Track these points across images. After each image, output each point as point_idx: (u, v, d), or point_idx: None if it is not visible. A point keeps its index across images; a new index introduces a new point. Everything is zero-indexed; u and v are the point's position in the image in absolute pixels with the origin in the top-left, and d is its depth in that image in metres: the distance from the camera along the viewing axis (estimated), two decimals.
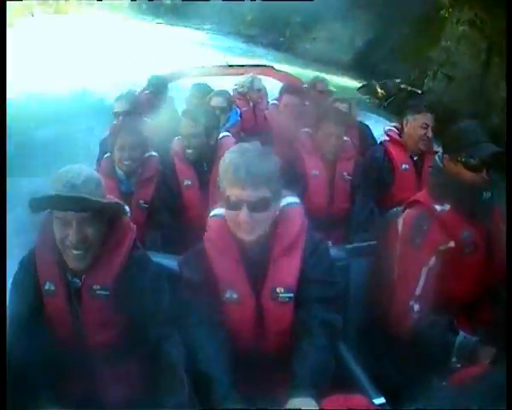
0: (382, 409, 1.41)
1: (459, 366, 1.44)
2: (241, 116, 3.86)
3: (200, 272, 1.48)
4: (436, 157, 1.82)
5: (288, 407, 1.24)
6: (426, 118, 2.70)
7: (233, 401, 1.30)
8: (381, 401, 1.46)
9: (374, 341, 1.76)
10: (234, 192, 1.37)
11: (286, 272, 1.45)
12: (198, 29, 19.37)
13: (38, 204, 1.36)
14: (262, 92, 4.26)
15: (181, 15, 21.43)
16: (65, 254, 1.39)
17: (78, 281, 1.43)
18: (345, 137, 2.73)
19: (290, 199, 1.54)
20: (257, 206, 1.37)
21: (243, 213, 1.37)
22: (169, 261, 1.77)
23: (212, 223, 1.54)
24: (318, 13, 13.49)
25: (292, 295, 1.43)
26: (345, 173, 2.64)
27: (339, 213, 2.63)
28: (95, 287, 1.41)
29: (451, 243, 1.63)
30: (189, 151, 2.50)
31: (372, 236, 2.36)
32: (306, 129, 2.77)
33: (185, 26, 19.62)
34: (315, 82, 4.02)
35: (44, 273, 1.44)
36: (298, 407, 1.22)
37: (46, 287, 1.43)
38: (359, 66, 11.96)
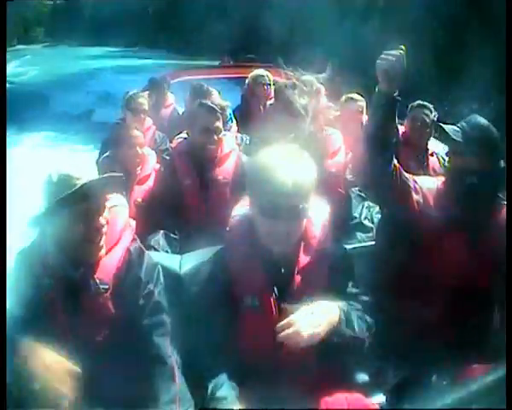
0: (382, 409, 1.41)
1: None
2: (251, 113, 3.88)
3: (220, 280, 1.42)
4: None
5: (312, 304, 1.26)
6: (412, 118, 2.80)
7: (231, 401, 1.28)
8: (380, 399, 1.47)
9: (374, 341, 1.76)
10: (274, 201, 1.31)
11: (314, 283, 1.40)
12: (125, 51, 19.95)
13: (43, 219, 1.34)
14: (269, 89, 4.23)
15: (102, 40, 21.69)
16: (80, 248, 1.38)
17: (77, 275, 1.43)
18: (329, 131, 2.71)
19: (317, 203, 1.47)
20: (296, 216, 1.34)
21: (281, 224, 1.33)
22: (171, 261, 1.78)
23: (235, 224, 1.49)
24: (208, 10, 14.72)
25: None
26: (333, 170, 2.60)
27: (334, 211, 2.60)
28: (94, 281, 1.41)
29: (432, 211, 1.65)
30: (212, 147, 2.47)
31: (371, 236, 2.37)
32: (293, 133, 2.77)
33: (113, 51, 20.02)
34: (308, 81, 4.01)
35: (43, 268, 1.43)
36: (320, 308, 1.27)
37: (44, 282, 1.42)
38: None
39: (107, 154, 2.65)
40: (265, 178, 1.32)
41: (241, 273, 1.40)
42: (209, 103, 2.55)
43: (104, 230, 1.40)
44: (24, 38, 28.37)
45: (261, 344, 1.38)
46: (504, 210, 1.67)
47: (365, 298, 1.45)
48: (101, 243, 1.41)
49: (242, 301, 1.39)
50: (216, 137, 2.46)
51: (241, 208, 1.50)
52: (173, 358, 1.41)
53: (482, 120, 1.70)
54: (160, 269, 1.51)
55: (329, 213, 1.50)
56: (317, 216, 1.46)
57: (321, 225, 1.46)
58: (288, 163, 1.32)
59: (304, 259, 1.40)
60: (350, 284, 1.44)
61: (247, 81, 4.26)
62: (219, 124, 2.48)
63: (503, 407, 0.77)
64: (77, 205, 1.33)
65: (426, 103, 2.90)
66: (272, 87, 4.17)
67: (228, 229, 1.49)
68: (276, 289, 1.39)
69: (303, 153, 1.39)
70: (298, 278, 1.39)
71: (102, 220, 1.38)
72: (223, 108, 3.10)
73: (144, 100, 3.37)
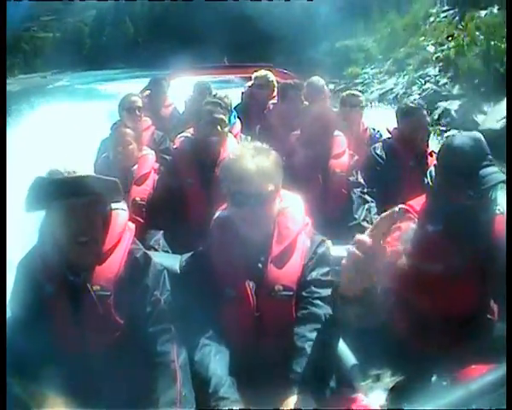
0: (382, 409, 1.41)
1: None
2: (249, 113, 3.86)
3: (201, 272, 1.49)
4: (428, 173, 1.79)
5: (284, 406, 1.22)
6: (415, 120, 2.76)
7: (233, 401, 1.28)
8: (380, 399, 1.46)
9: (373, 340, 1.76)
10: (240, 188, 1.42)
11: (286, 272, 1.45)
12: None
13: (39, 196, 1.33)
14: (270, 89, 4.22)
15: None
16: (71, 249, 1.38)
17: (78, 280, 1.43)
18: (335, 132, 2.70)
19: (291, 199, 1.57)
20: (263, 202, 1.42)
21: (250, 210, 1.42)
22: (171, 261, 1.77)
23: (215, 223, 1.58)
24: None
25: (291, 293, 1.44)
26: (338, 170, 2.60)
27: (335, 211, 2.59)
28: (95, 287, 1.41)
29: (438, 266, 1.62)
30: (214, 138, 2.49)
31: None
32: (296, 132, 2.77)
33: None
34: (310, 81, 4.00)
35: (44, 275, 1.43)
36: (295, 407, 1.20)
37: (46, 289, 1.42)
38: None
39: (104, 155, 2.66)
40: (231, 169, 1.46)
41: (219, 266, 1.48)
42: (215, 99, 2.61)
43: (98, 229, 1.39)
44: None
45: (243, 334, 1.43)
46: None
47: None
48: (95, 243, 1.40)
49: (223, 293, 1.45)
50: (219, 129, 2.48)
51: (223, 211, 1.58)
52: (176, 362, 1.41)
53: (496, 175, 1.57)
54: (166, 275, 1.53)
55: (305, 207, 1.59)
56: (291, 209, 1.54)
57: (295, 216, 1.52)
58: (250, 153, 1.45)
59: (276, 248, 1.47)
60: (324, 272, 1.47)
61: (248, 82, 4.25)
62: (223, 117, 2.51)
63: (502, 407, 0.77)
64: (67, 198, 1.33)
65: (422, 103, 2.87)
66: (274, 87, 4.18)
67: (210, 228, 1.58)
68: (252, 279, 1.45)
69: (263, 146, 1.51)
70: (271, 267, 1.45)
71: (94, 219, 1.37)
72: (227, 104, 3.11)
73: (136, 98, 3.39)
